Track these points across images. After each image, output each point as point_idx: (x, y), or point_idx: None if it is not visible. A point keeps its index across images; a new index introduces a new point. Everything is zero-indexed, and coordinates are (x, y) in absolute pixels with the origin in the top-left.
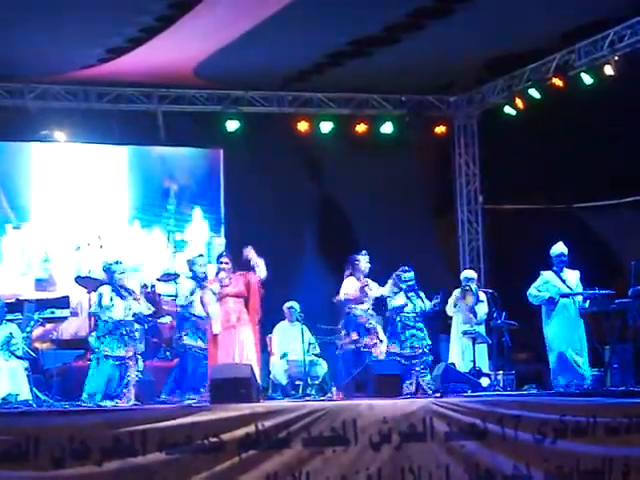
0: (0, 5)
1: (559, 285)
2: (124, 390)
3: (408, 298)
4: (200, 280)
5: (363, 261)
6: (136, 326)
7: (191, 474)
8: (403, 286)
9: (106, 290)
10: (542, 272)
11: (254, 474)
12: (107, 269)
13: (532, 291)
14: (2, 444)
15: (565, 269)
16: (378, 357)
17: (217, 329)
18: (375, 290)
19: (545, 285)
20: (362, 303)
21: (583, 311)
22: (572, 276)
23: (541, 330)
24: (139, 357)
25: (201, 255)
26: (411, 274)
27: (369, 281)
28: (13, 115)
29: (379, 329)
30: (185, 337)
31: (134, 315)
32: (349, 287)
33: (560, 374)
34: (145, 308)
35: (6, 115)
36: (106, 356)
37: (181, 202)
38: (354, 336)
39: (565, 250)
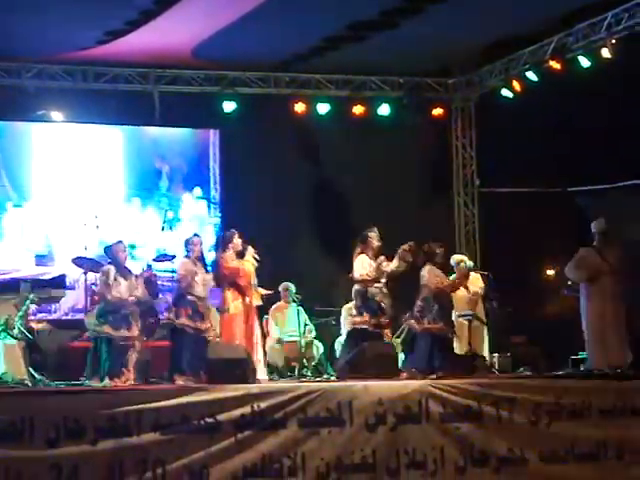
0: None
1: (598, 262)
2: (123, 369)
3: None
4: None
5: (375, 238)
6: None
7: (186, 454)
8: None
9: (111, 269)
10: (581, 248)
11: (250, 454)
12: (109, 249)
13: (570, 268)
14: None
15: (606, 246)
16: (385, 339)
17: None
18: (389, 265)
19: (583, 262)
20: (379, 282)
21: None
22: (613, 253)
23: (535, 312)
24: (137, 337)
25: (196, 235)
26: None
27: (382, 258)
28: (11, 94)
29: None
30: (182, 317)
31: (135, 295)
32: (364, 266)
33: (593, 356)
34: (141, 292)
35: (4, 94)
36: (109, 335)
37: (172, 183)
38: (366, 316)
39: (604, 225)
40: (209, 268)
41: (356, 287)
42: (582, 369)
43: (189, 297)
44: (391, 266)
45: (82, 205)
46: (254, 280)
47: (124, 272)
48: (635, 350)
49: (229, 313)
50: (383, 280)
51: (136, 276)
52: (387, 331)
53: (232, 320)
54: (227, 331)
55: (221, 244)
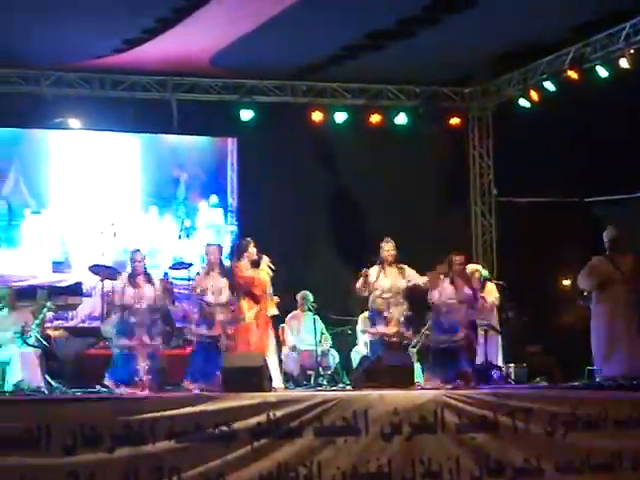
0: None
1: (610, 270)
2: (135, 378)
3: None
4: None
5: (384, 248)
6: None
7: (202, 463)
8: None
9: (122, 277)
10: (593, 257)
11: (266, 463)
12: (130, 257)
13: (582, 277)
14: (14, 431)
15: (619, 254)
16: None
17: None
18: (412, 275)
19: (595, 271)
20: (370, 294)
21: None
22: (626, 261)
23: (551, 322)
24: (152, 345)
25: (209, 244)
26: (462, 258)
27: (405, 267)
28: (29, 102)
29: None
30: (193, 326)
31: (148, 304)
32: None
33: (605, 366)
34: (160, 299)
35: (22, 102)
36: (117, 344)
37: (190, 191)
38: (371, 328)
39: (618, 234)
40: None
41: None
42: (597, 380)
43: (200, 304)
44: (417, 280)
45: (99, 213)
46: (269, 289)
47: (135, 280)
48: None
49: (245, 322)
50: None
51: (160, 282)
52: (395, 340)
53: (248, 329)
54: (243, 340)
55: (236, 253)
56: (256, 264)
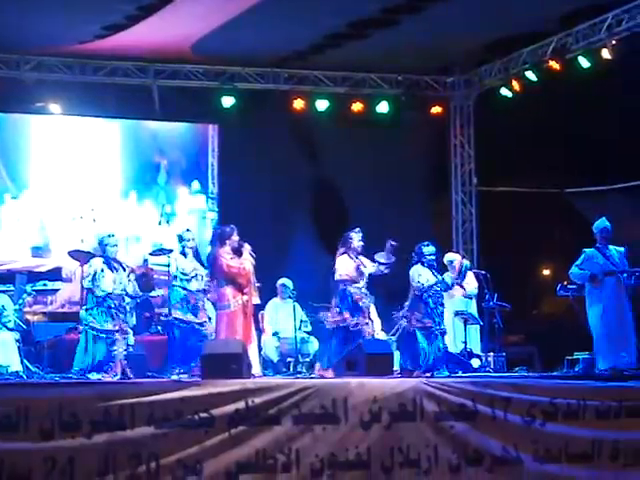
0: None
1: (602, 262)
2: (110, 364)
3: (434, 275)
4: (186, 254)
5: (356, 239)
6: (127, 300)
7: (180, 449)
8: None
9: (97, 262)
10: (584, 249)
11: (244, 450)
12: (100, 242)
13: (574, 269)
14: None
15: (609, 246)
16: (366, 336)
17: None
18: (369, 267)
19: (587, 263)
20: (357, 282)
21: (629, 287)
22: (618, 252)
23: (531, 312)
24: (129, 331)
25: (188, 230)
26: (432, 248)
27: (362, 258)
28: (9, 86)
29: (372, 309)
30: (174, 310)
31: (124, 289)
32: (345, 266)
33: (602, 357)
34: (131, 288)
35: (2, 86)
36: (93, 329)
37: (171, 177)
38: (346, 315)
39: (608, 225)
40: (204, 262)
41: (337, 287)
42: (577, 369)
43: (184, 291)
44: (368, 270)
45: (79, 198)
46: (253, 278)
47: (112, 265)
48: None
49: (230, 310)
50: (363, 281)
51: (132, 270)
52: (367, 329)
53: (234, 317)
54: (229, 328)
55: (219, 239)
56: (237, 252)
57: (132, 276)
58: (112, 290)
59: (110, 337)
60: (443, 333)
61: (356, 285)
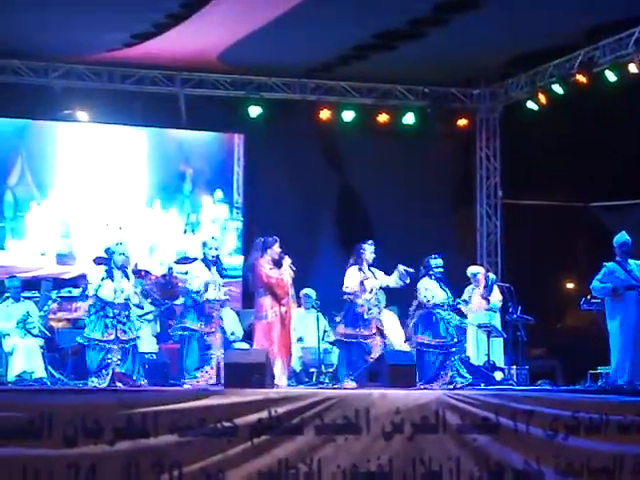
0: None
1: (623, 277)
2: (102, 372)
3: (442, 289)
4: (210, 262)
5: (368, 250)
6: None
7: (203, 457)
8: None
9: (98, 271)
10: (605, 263)
11: (266, 459)
12: (106, 250)
13: (595, 283)
14: (16, 421)
15: (629, 260)
16: (373, 349)
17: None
18: (381, 278)
19: (608, 276)
20: (360, 296)
21: None
22: (637, 267)
23: (554, 325)
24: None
25: (214, 238)
26: (439, 261)
27: (375, 270)
28: (37, 93)
29: (390, 320)
30: (186, 320)
31: (127, 298)
32: (350, 279)
33: (620, 371)
34: (137, 299)
35: (30, 93)
36: (86, 337)
37: (196, 186)
38: (340, 327)
39: (629, 239)
40: (224, 272)
41: (345, 298)
42: (600, 384)
43: (200, 300)
44: (387, 280)
45: (105, 205)
46: (292, 291)
47: (112, 274)
48: None
49: (267, 320)
50: (369, 293)
51: (156, 278)
52: (374, 341)
53: (270, 327)
54: (265, 338)
55: (260, 249)
56: (277, 263)
57: (139, 288)
58: (112, 299)
59: (101, 346)
60: (448, 347)
61: (364, 296)
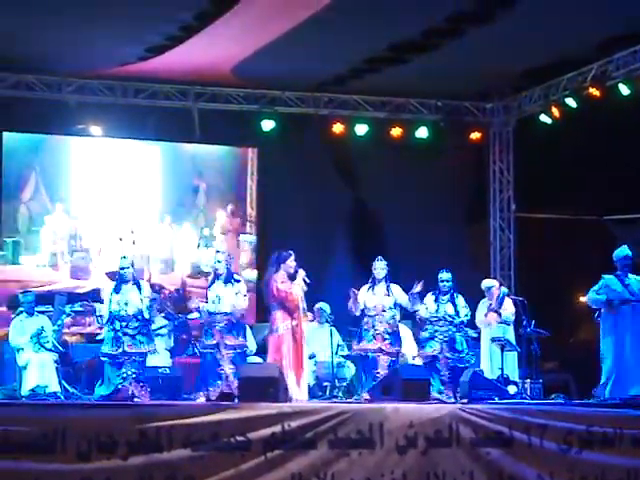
0: (44, 1)
1: (620, 290)
2: (119, 385)
3: (436, 301)
4: (219, 276)
5: (378, 267)
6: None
7: (216, 472)
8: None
9: (110, 285)
10: (604, 275)
11: (279, 474)
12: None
13: (591, 294)
14: (29, 435)
15: (629, 274)
16: (378, 363)
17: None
18: (397, 295)
19: (605, 289)
20: (356, 311)
21: None
22: (637, 282)
23: (567, 339)
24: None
25: (218, 252)
26: (445, 275)
27: (393, 287)
28: (51, 108)
29: (404, 335)
30: (203, 337)
31: (137, 311)
32: (360, 297)
33: (611, 386)
34: (146, 313)
35: (44, 108)
36: (102, 353)
37: (209, 200)
38: (354, 343)
39: (629, 253)
40: (233, 284)
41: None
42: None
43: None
44: (385, 301)
45: (119, 220)
46: (302, 304)
47: (119, 288)
48: None
49: (278, 334)
50: (373, 310)
51: (168, 292)
52: (379, 357)
53: (281, 341)
54: (276, 351)
55: (275, 264)
56: (292, 277)
57: (146, 300)
58: (118, 312)
59: (112, 360)
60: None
61: (369, 313)
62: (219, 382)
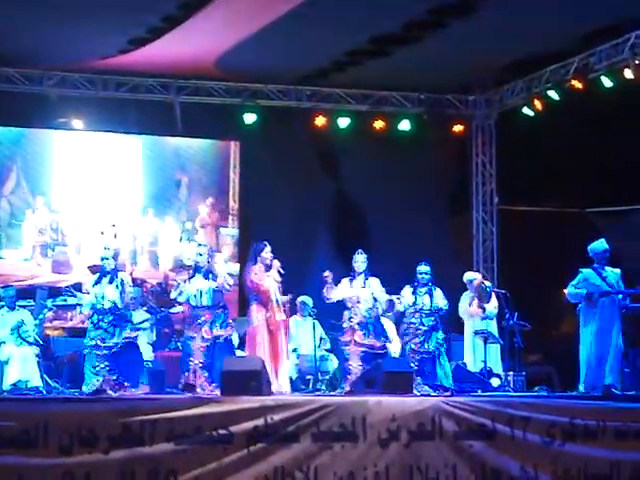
0: None
1: (598, 283)
2: (93, 379)
3: (414, 293)
4: (200, 270)
5: (358, 260)
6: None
7: (199, 465)
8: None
9: (90, 279)
10: (581, 269)
11: (262, 467)
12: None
13: (570, 289)
14: (11, 430)
15: (606, 267)
16: (350, 355)
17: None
18: (374, 290)
19: (584, 283)
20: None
21: (623, 309)
22: (614, 274)
23: (550, 332)
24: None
25: (200, 245)
26: (423, 267)
27: (372, 280)
28: (32, 102)
29: (388, 328)
30: (186, 329)
31: (112, 304)
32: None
33: (588, 377)
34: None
35: (25, 102)
36: (85, 345)
37: (192, 193)
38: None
39: (607, 246)
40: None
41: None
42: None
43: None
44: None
45: (100, 213)
46: (274, 296)
47: (101, 280)
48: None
49: (252, 326)
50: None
51: (150, 286)
52: (350, 349)
53: (256, 332)
54: (250, 343)
55: (252, 256)
56: (268, 268)
57: (128, 296)
58: (95, 305)
59: (90, 352)
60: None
61: (347, 304)
62: (186, 373)
